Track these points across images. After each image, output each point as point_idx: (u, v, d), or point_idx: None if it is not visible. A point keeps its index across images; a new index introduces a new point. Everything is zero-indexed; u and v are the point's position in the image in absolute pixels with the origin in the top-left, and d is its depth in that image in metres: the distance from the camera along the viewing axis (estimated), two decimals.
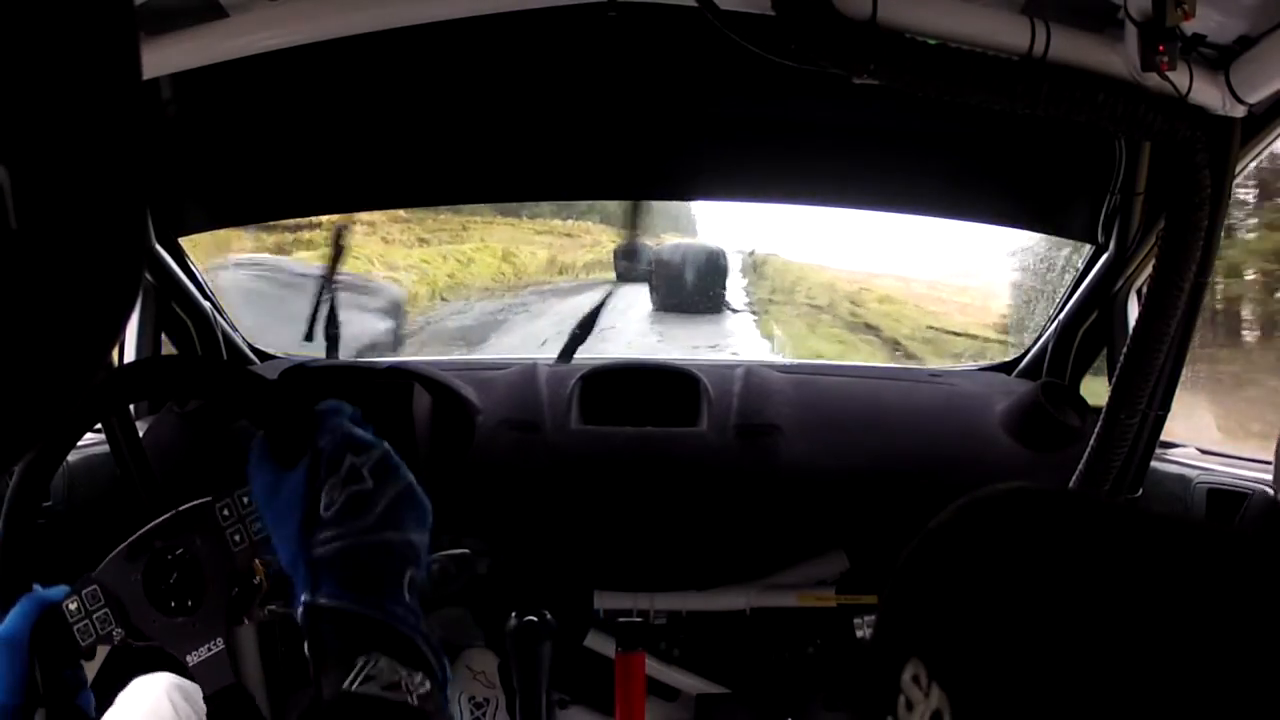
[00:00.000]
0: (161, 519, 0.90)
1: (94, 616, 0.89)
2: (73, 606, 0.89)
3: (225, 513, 0.89)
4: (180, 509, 0.90)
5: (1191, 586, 0.26)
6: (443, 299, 9.19)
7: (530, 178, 1.90)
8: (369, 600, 0.68)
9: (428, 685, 0.67)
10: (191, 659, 0.89)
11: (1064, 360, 1.81)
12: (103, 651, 1.10)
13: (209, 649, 0.88)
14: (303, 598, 0.69)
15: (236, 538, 0.88)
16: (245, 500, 0.88)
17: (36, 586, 0.88)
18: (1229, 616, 0.25)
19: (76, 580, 0.91)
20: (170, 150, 1.73)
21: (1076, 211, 1.74)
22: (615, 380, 1.74)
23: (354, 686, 0.65)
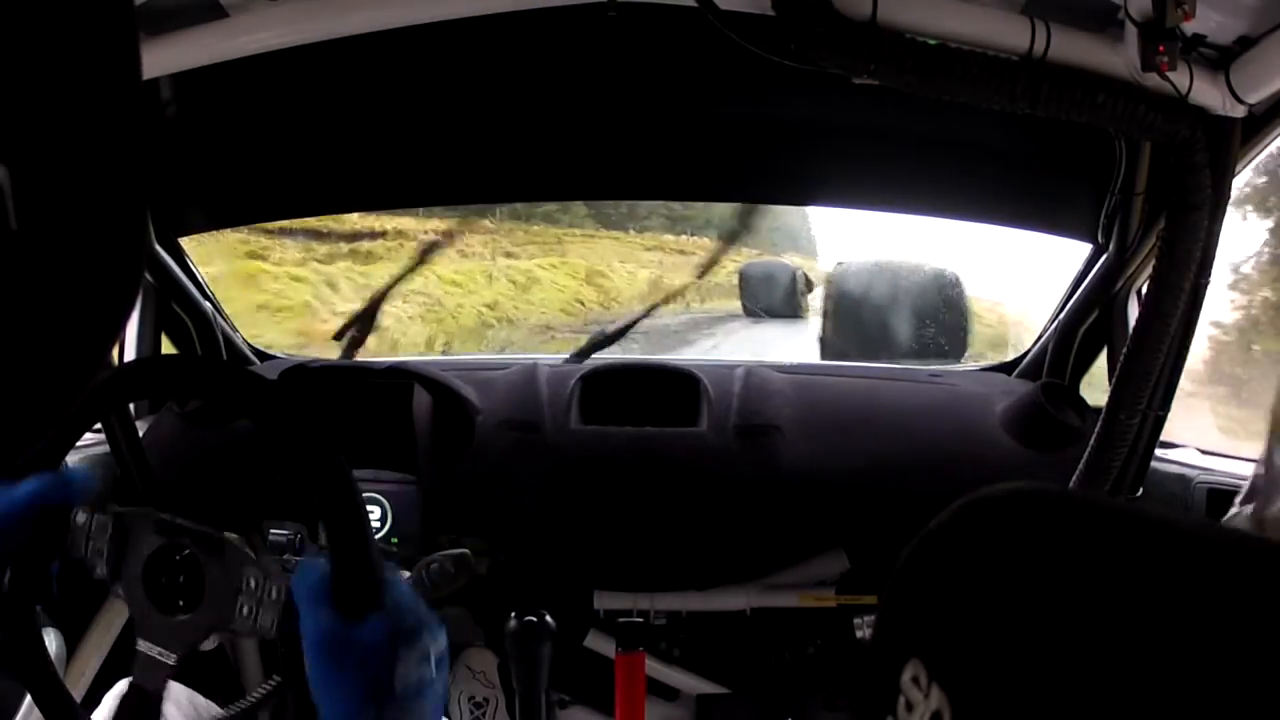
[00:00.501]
0: (204, 528, 0.89)
1: (91, 545, 0.88)
2: (79, 519, 0.88)
3: (251, 583, 0.87)
4: (224, 533, 0.89)
5: (1193, 589, 0.26)
6: (444, 351, 5.89)
7: (529, 177, 1.90)
8: None
9: None
10: (143, 646, 0.88)
11: (1064, 360, 1.81)
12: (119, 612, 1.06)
13: (161, 654, 0.88)
14: None
15: (245, 610, 0.87)
16: (274, 592, 0.86)
17: (68, 464, 0.87)
18: (1231, 620, 0.25)
19: (105, 504, 0.90)
20: (170, 150, 1.73)
21: (1076, 211, 1.74)
22: (615, 380, 1.74)
23: None
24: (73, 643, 1.55)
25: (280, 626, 0.85)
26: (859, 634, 1.68)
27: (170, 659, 0.87)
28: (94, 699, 1.28)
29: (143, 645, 0.88)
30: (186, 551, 0.88)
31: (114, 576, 0.89)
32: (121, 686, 1.18)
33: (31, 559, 0.87)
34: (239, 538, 0.92)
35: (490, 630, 1.68)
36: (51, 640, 1.45)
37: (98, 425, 1.55)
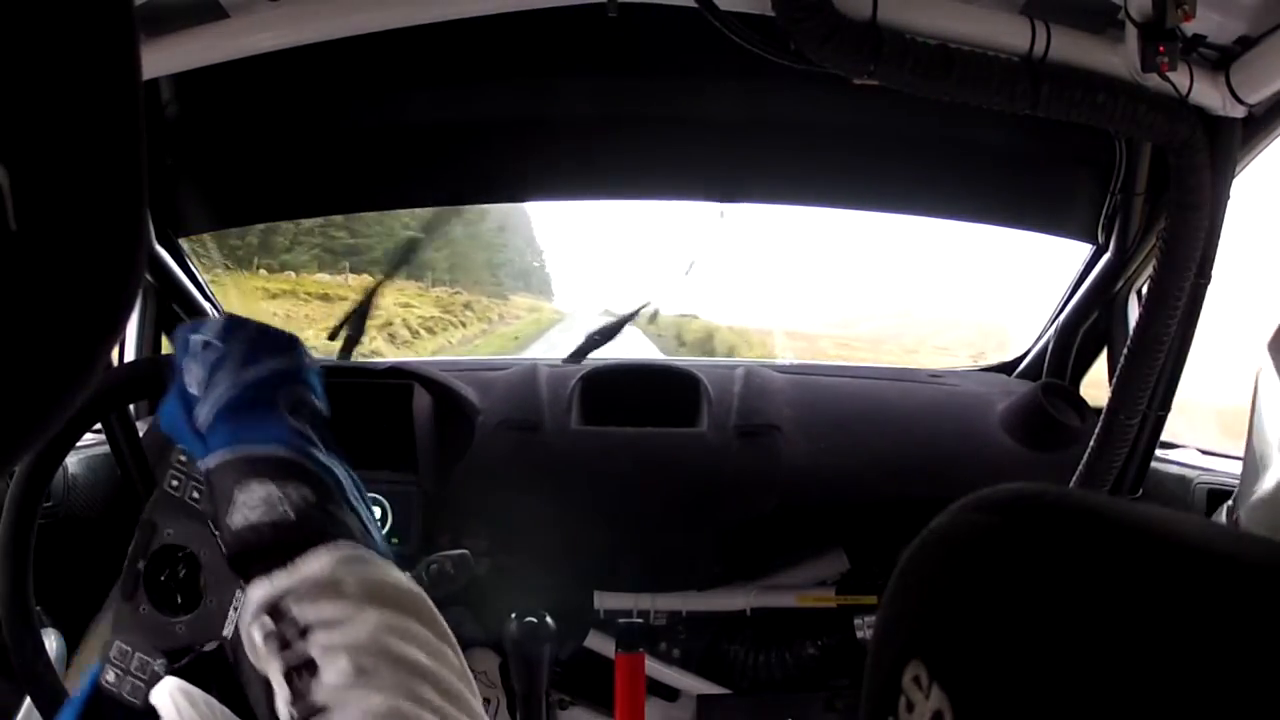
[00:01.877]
0: (136, 543, 0.88)
1: (132, 669, 0.88)
2: (111, 677, 0.87)
3: (174, 483, 0.86)
4: (142, 518, 0.88)
5: (1191, 597, 0.25)
6: None
7: (529, 178, 1.90)
8: (251, 439, 0.67)
9: (313, 496, 0.65)
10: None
11: (1064, 360, 1.81)
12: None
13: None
14: (201, 466, 0.69)
15: (195, 495, 0.86)
16: (182, 458, 0.85)
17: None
18: (1227, 629, 0.25)
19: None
20: (170, 150, 1.73)
21: (1076, 211, 1.74)
22: (615, 381, 1.74)
23: (232, 525, 0.64)
24: (73, 643, 1.55)
25: None
26: (859, 634, 1.68)
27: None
28: None
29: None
30: (177, 555, 0.88)
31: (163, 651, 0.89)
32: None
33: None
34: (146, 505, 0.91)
35: (490, 630, 1.68)
36: (51, 640, 1.45)
37: (98, 425, 1.55)
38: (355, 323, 1.90)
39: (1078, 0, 1.22)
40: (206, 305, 1.87)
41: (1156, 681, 0.25)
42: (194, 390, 0.71)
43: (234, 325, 0.73)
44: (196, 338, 0.73)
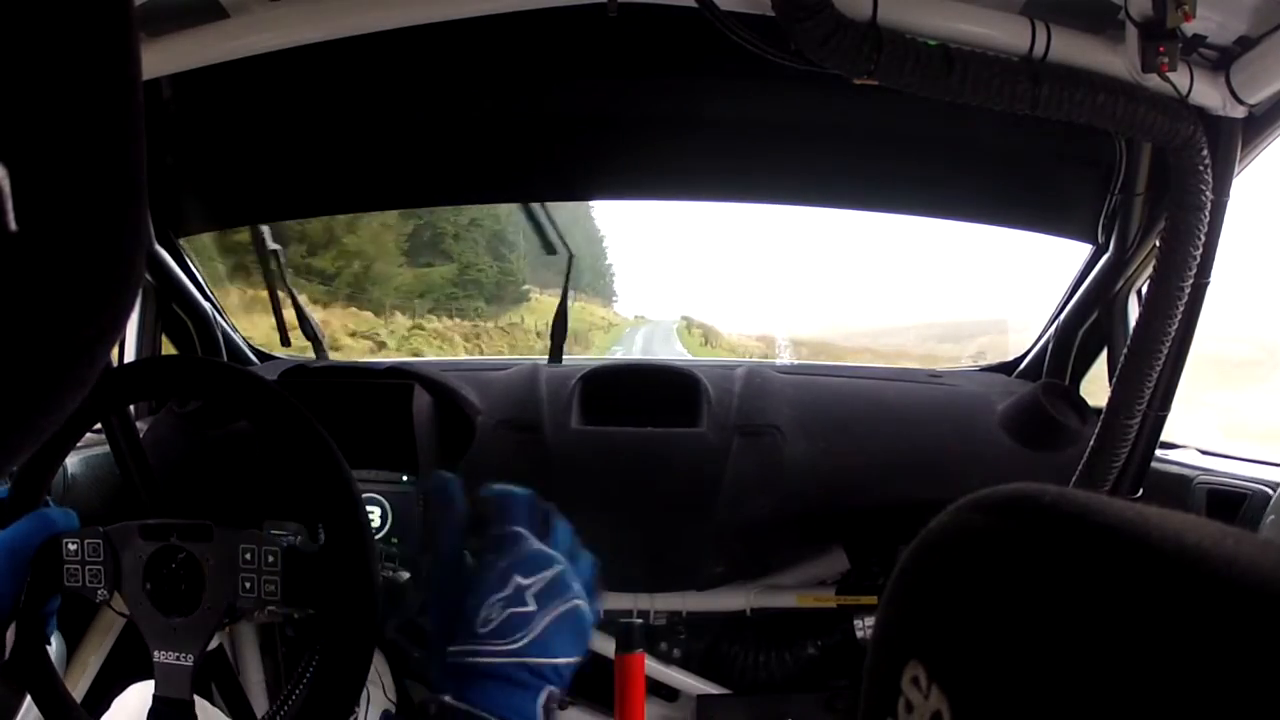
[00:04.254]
0: (190, 521, 0.89)
1: (87, 568, 0.89)
2: (72, 547, 0.89)
3: (248, 556, 0.87)
4: (212, 523, 0.89)
5: (1185, 603, 0.25)
6: None
7: (529, 178, 1.89)
8: (498, 712, 0.68)
9: None
10: (159, 657, 0.88)
11: (1064, 360, 1.81)
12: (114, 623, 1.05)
13: (179, 658, 0.88)
14: (441, 695, 0.68)
15: (247, 584, 0.87)
16: (270, 557, 0.87)
17: (50, 500, 0.89)
18: (1219, 638, 0.24)
19: (86, 525, 0.91)
20: (170, 150, 1.73)
21: (1076, 211, 1.74)
22: (615, 381, 1.74)
23: None
24: (73, 644, 1.55)
25: (284, 590, 0.85)
26: (859, 634, 1.68)
27: (189, 661, 0.87)
28: (93, 700, 1.28)
29: (159, 655, 0.88)
30: (181, 554, 0.88)
31: (114, 593, 0.89)
32: (128, 694, 1.18)
33: (31, 603, 0.87)
34: (228, 526, 0.92)
35: None
36: (51, 640, 1.45)
37: (98, 425, 1.55)
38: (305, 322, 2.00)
39: (1078, 0, 1.22)
40: (206, 305, 1.87)
41: (1150, 687, 0.25)
42: (481, 625, 0.70)
43: (557, 591, 0.74)
44: (519, 581, 0.73)
